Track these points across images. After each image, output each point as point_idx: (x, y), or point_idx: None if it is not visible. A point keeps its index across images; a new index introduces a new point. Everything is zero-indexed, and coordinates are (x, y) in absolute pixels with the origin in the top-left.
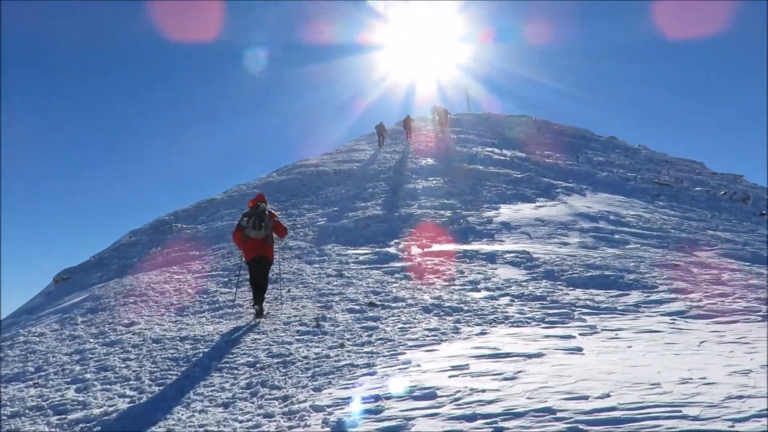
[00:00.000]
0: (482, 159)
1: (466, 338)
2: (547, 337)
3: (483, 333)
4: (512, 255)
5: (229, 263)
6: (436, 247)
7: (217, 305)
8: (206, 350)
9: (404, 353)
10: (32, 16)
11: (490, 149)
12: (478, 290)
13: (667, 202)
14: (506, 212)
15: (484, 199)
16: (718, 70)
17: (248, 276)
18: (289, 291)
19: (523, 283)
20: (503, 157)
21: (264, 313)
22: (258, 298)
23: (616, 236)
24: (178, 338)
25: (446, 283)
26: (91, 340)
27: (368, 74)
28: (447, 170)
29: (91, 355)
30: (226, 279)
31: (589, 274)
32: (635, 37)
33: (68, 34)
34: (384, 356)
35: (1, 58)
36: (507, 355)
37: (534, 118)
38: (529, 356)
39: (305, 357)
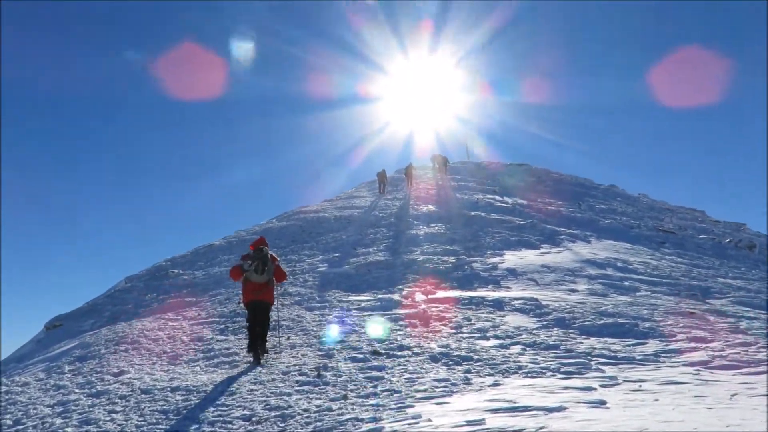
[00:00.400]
0: (483, 206)
1: (479, 390)
2: (566, 388)
3: (496, 384)
4: (520, 302)
5: (225, 310)
6: (440, 294)
7: (212, 353)
8: (199, 402)
9: (413, 406)
10: (32, 62)
11: (491, 196)
12: (487, 338)
13: (673, 249)
14: (511, 258)
15: (487, 245)
16: (715, 133)
17: (245, 322)
18: (288, 338)
19: (534, 331)
20: (505, 204)
21: (262, 361)
22: (253, 345)
23: (626, 283)
24: (168, 389)
25: (453, 331)
26: (77, 390)
27: (367, 124)
28: (448, 217)
29: (74, 407)
30: (222, 326)
31: (602, 321)
32: (632, 98)
33: (68, 83)
34: (391, 409)
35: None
36: (525, 408)
37: (533, 167)
38: (550, 410)
39: (305, 410)
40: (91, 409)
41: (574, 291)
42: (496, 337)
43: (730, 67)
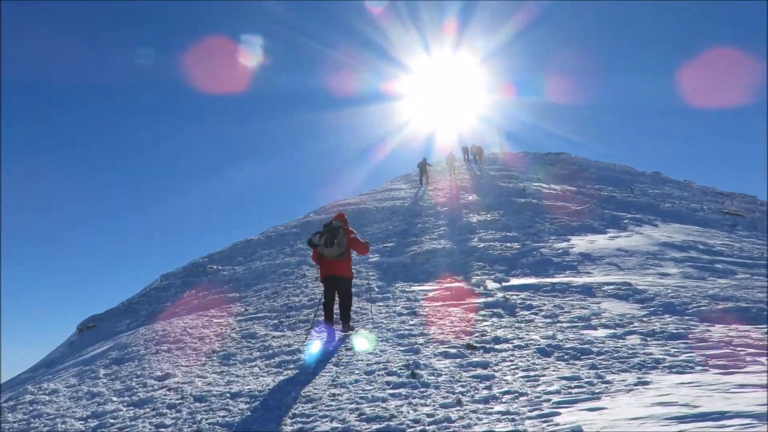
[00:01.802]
0: (532, 193)
1: (629, 390)
2: (742, 386)
3: (643, 383)
4: (612, 287)
5: (275, 304)
6: (515, 281)
7: (271, 351)
8: (269, 411)
9: (558, 413)
10: (66, 59)
11: (536, 184)
12: (594, 327)
13: (749, 231)
14: (580, 243)
15: (548, 231)
16: (746, 135)
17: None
18: (356, 332)
19: (645, 319)
20: (554, 191)
21: (353, 329)
22: (330, 321)
23: (718, 266)
24: (227, 395)
25: (549, 320)
26: (115, 398)
27: (390, 122)
28: (497, 204)
29: (112, 420)
30: (275, 321)
31: (720, 306)
32: (659, 98)
33: (102, 79)
34: (531, 418)
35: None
36: (720, 415)
37: (573, 155)
38: (757, 416)
39: (415, 420)
40: (133, 423)
41: (665, 275)
42: (604, 326)
43: (760, 69)
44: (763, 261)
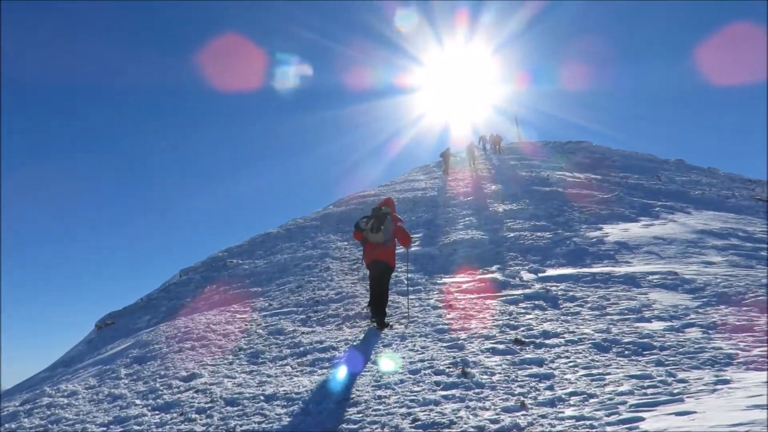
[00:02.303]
0: (556, 181)
1: (713, 390)
2: None
3: (724, 381)
4: (657, 277)
5: (300, 298)
6: (552, 272)
7: (302, 349)
8: (309, 416)
9: (640, 417)
10: (92, 60)
11: (560, 173)
12: (648, 320)
13: None
14: (614, 232)
15: (579, 219)
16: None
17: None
18: (391, 327)
19: (701, 311)
20: (578, 180)
21: (389, 324)
22: (375, 311)
23: (763, 253)
24: (261, 397)
25: (597, 312)
26: (138, 401)
27: (404, 115)
28: (522, 193)
29: (137, 427)
30: (302, 316)
31: None
32: (677, 81)
33: (125, 81)
34: (611, 424)
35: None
36: None
37: (593, 144)
38: None
39: (479, 428)
40: (160, 430)
41: (710, 263)
42: (658, 318)
43: None
44: None
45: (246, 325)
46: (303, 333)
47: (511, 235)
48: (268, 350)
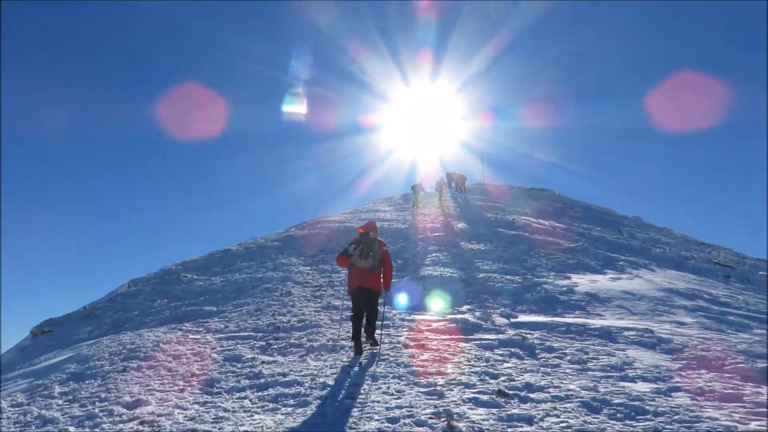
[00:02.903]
0: (521, 226)
1: None
2: None
3: None
4: (633, 333)
5: (260, 323)
6: (524, 318)
7: (263, 380)
8: None
9: None
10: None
11: (525, 218)
12: (632, 380)
13: (744, 284)
14: (582, 282)
15: (546, 266)
16: (712, 157)
17: (350, 312)
18: (360, 365)
19: (683, 374)
20: (543, 226)
21: (365, 348)
22: (357, 336)
23: (731, 318)
24: None
25: (578, 367)
26: (72, 429)
27: (370, 153)
28: (489, 235)
29: None
30: (262, 343)
31: (760, 365)
32: (629, 123)
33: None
34: None
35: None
36: None
37: (556, 193)
38: None
39: None
40: None
41: (682, 323)
42: (642, 378)
43: (727, 91)
44: None
45: (199, 347)
46: (263, 362)
47: (481, 276)
48: (225, 379)
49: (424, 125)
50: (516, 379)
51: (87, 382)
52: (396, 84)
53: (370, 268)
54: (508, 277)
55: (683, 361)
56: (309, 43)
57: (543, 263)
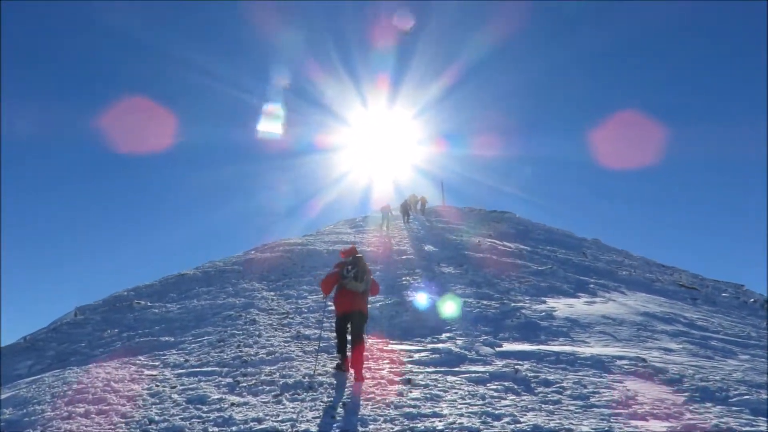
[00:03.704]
0: (488, 249)
1: None
2: None
3: None
4: (626, 363)
5: (224, 356)
6: (509, 346)
7: (235, 428)
8: None
9: None
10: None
11: (490, 241)
12: (643, 417)
13: (712, 306)
14: (559, 306)
15: (519, 290)
16: (647, 194)
17: (334, 332)
18: (344, 405)
19: (692, 408)
20: (509, 249)
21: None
22: (343, 349)
23: (713, 343)
24: None
25: (581, 402)
26: None
27: (326, 174)
28: (458, 258)
29: None
30: (228, 379)
31: (765, 396)
32: (575, 157)
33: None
34: None
35: None
36: None
37: (517, 215)
38: None
39: None
40: None
41: (669, 350)
42: (653, 415)
43: (664, 132)
44: (752, 341)
45: (157, 386)
46: (233, 405)
47: (455, 300)
48: (189, 427)
49: (380, 148)
50: (521, 420)
51: None
52: (354, 106)
53: (362, 292)
54: (485, 302)
55: (686, 393)
56: (266, 62)
57: (516, 287)
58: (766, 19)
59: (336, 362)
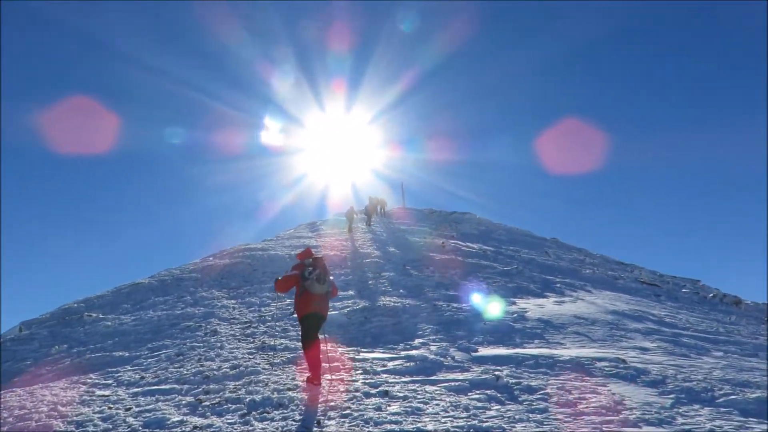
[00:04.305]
0: (452, 250)
1: None
2: None
3: None
4: (606, 365)
5: (184, 371)
6: (484, 351)
7: None
8: None
9: None
10: None
11: (453, 242)
12: (635, 424)
13: (675, 302)
14: (530, 307)
15: (488, 291)
16: (592, 198)
17: (300, 337)
18: (318, 423)
19: (681, 411)
20: (473, 250)
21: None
22: (318, 363)
23: (685, 340)
24: None
25: (569, 410)
26: None
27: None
28: (422, 260)
29: None
30: (190, 398)
31: (754, 395)
32: (526, 161)
33: None
34: None
35: None
36: None
37: (477, 216)
38: None
39: None
40: None
41: (645, 349)
42: (645, 421)
43: (606, 139)
44: (721, 336)
45: (110, 408)
46: (195, 428)
47: (425, 305)
48: None
49: (338, 152)
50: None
51: None
52: (311, 109)
53: (324, 294)
54: (455, 304)
55: (671, 396)
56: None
57: (484, 288)
58: (713, 24)
59: (307, 375)
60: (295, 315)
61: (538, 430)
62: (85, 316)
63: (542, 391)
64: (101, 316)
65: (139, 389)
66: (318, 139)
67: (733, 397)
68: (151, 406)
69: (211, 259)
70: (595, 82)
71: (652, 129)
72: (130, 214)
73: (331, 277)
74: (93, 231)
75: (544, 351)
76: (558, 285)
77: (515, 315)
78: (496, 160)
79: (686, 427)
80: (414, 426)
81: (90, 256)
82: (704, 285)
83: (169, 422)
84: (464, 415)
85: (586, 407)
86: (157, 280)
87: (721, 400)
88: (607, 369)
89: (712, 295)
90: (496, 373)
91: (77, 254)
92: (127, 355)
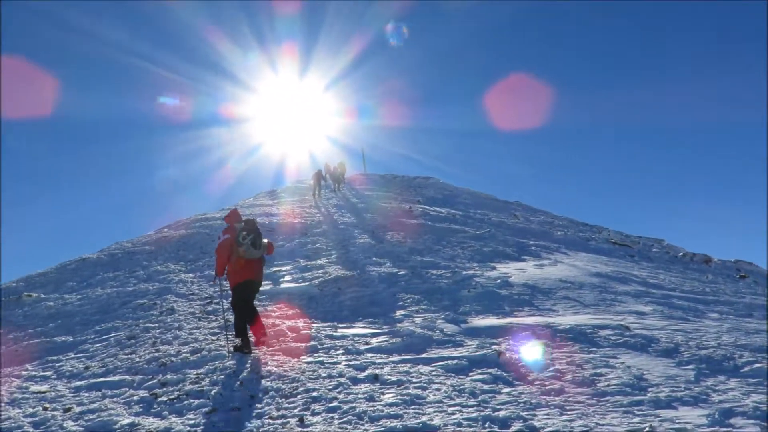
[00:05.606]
0: (421, 215)
1: None
2: None
3: None
4: (611, 333)
5: (137, 358)
6: (475, 321)
7: None
8: None
9: None
10: None
11: (420, 206)
12: (669, 405)
13: (650, 263)
14: (511, 272)
15: (464, 256)
16: (538, 153)
17: (229, 305)
18: (301, 421)
19: (711, 385)
20: (441, 214)
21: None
22: (244, 330)
23: (675, 301)
24: None
25: (588, 390)
26: None
27: (237, 145)
28: (393, 225)
29: None
30: (144, 392)
31: None
32: (473, 123)
33: None
34: None
35: None
36: None
37: (441, 180)
38: None
39: None
40: None
41: (642, 314)
42: (679, 401)
43: (552, 94)
44: (709, 296)
45: (45, 408)
46: (152, 430)
47: (402, 272)
48: None
49: (294, 119)
50: (535, 425)
51: None
52: (263, 75)
53: (259, 259)
54: (433, 271)
55: (691, 366)
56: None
57: (459, 253)
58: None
59: (235, 344)
60: (226, 283)
61: (564, 418)
62: (24, 297)
63: (552, 368)
64: (43, 295)
65: (82, 382)
66: (272, 106)
67: (757, 365)
68: (95, 405)
69: (165, 230)
70: (547, 37)
71: (608, 85)
72: (77, 185)
73: (266, 240)
74: (35, 204)
75: (539, 320)
76: (533, 248)
77: (498, 281)
78: (448, 126)
79: (726, 405)
80: (418, 420)
81: (31, 231)
82: (669, 244)
83: (117, 426)
84: (473, 402)
85: (607, 385)
86: (107, 254)
87: (745, 369)
88: (612, 338)
89: (681, 254)
90: (496, 347)
91: (17, 228)
92: (70, 339)
